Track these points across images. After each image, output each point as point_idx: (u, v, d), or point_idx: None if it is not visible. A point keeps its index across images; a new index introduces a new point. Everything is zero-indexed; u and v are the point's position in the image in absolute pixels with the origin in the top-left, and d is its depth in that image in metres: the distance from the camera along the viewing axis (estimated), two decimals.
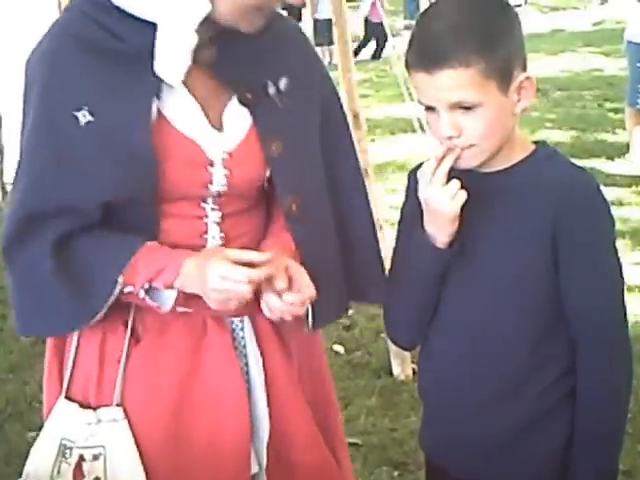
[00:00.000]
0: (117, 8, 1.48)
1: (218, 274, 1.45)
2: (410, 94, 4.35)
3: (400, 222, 1.63)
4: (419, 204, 1.48)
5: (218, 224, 1.60)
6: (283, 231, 1.63)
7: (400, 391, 3.49)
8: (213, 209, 1.60)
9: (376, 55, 14.95)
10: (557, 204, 1.43)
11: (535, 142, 1.53)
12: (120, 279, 1.50)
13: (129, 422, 1.58)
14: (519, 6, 23.72)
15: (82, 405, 1.61)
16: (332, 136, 1.70)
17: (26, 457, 1.65)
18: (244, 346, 1.66)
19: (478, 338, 1.51)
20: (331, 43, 3.79)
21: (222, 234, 1.61)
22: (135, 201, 1.52)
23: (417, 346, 1.65)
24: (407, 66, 1.44)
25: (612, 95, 9.82)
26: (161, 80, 1.48)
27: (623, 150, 7.06)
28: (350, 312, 4.21)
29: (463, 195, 1.41)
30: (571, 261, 1.45)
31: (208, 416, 1.60)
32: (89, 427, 1.58)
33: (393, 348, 3.57)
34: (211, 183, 1.56)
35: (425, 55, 1.40)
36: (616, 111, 8.72)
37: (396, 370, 3.61)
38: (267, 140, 1.57)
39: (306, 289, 1.53)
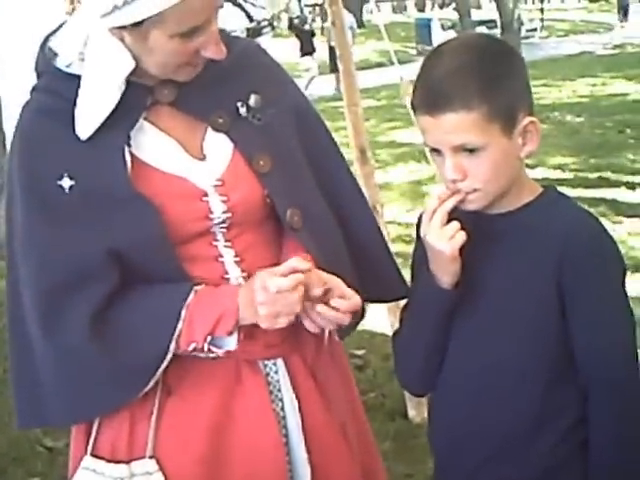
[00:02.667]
0: (68, 74, 1.52)
1: (260, 286, 1.47)
2: None
3: (412, 264, 1.62)
4: None
5: (237, 263, 1.59)
6: (298, 248, 1.61)
7: (416, 435, 3.37)
8: (226, 246, 1.58)
9: None
10: (563, 248, 1.43)
11: (543, 186, 1.53)
12: (172, 346, 1.50)
13: (163, 474, 1.56)
14: (534, 30, 23.80)
15: (111, 461, 1.58)
16: (313, 142, 1.70)
17: None
18: (279, 390, 1.63)
19: (487, 385, 1.49)
20: None
21: (244, 273, 1.59)
22: (148, 249, 1.51)
23: (429, 392, 1.63)
24: (412, 108, 1.45)
25: (634, 121, 9.69)
26: (129, 128, 1.51)
27: None
28: (362, 352, 4.16)
29: (462, 236, 1.42)
30: (578, 306, 1.43)
31: (243, 464, 1.58)
32: None
33: None
34: (211, 212, 1.55)
35: (428, 99, 1.41)
36: (638, 138, 8.60)
37: (411, 412, 3.50)
38: (253, 158, 1.58)
39: (352, 296, 1.53)
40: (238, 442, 1.57)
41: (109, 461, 1.57)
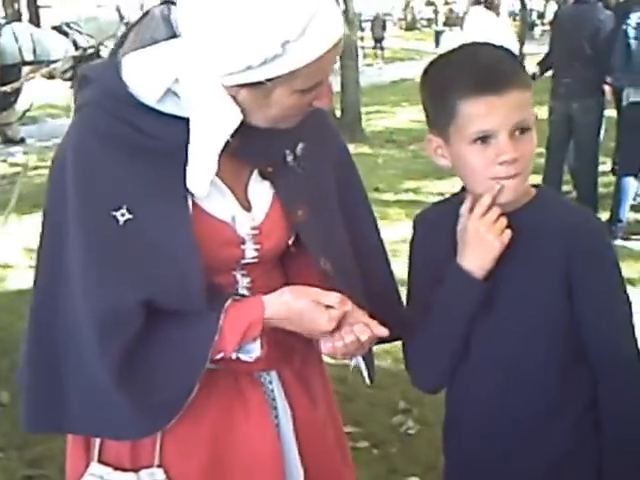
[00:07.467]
0: (142, 104, 1.47)
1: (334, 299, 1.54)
2: None
3: (411, 265, 1.72)
4: (449, 242, 1.58)
5: (249, 289, 1.64)
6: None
7: None
8: (243, 275, 1.64)
9: None
10: (570, 241, 1.52)
11: (533, 185, 1.61)
12: (207, 361, 1.51)
13: None
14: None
15: (117, 469, 1.60)
16: (348, 195, 1.74)
17: None
18: (273, 399, 1.70)
19: (507, 375, 1.57)
20: None
21: (249, 292, 1.64)
22: (178, 295, 1.50)
23: (441, 390, 1.72)
24: (460, 97, 1.47)
25: None
26: None
27: None
28: None
29: (509, 232, 1.51)
30: (587, 293, 1.54)
31: (243, 472, 1.64)
32: None
33: None
34: (243, 258, 1.61)
35: (491, 78, 1.46)
36: None
37: None
38: (292, 208, 1.61)
39: (374, 327, 1.58)
40: (238, 451, 1.63)
41: (116, 468, 1.60)
